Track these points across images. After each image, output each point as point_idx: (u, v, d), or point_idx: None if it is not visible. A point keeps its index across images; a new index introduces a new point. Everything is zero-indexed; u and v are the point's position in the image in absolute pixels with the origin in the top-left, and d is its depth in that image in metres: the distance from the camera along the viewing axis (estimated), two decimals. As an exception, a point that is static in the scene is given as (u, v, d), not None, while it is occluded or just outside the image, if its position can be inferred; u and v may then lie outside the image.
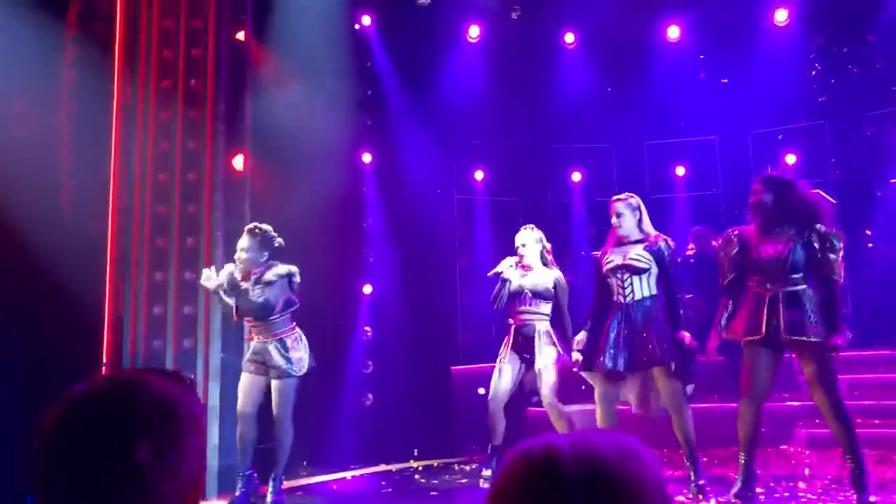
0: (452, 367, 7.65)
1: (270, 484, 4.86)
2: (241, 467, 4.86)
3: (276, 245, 5.02)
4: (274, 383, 4.84)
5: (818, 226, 4.20)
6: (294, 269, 4.97)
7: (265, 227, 5.04)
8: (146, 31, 6.01)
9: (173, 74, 6.05)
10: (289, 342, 4.89)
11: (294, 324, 5.02)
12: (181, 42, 6.05)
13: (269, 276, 4.91)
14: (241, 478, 4.82)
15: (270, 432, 5.03)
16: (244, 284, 4.90)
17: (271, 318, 4.90)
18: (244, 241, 4.95)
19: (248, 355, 5.00)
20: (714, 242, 6.85)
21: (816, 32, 8.18)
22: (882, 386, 6.35)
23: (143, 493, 1.01)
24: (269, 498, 4.82)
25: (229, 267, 4.94)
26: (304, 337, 5.03)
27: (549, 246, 5.41)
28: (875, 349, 6.33)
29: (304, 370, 4.91)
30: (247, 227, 5.06)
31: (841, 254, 4.16)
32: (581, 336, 4.87)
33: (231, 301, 4.94)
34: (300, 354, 4.90)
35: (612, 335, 4.60)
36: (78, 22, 6.00)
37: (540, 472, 0.81)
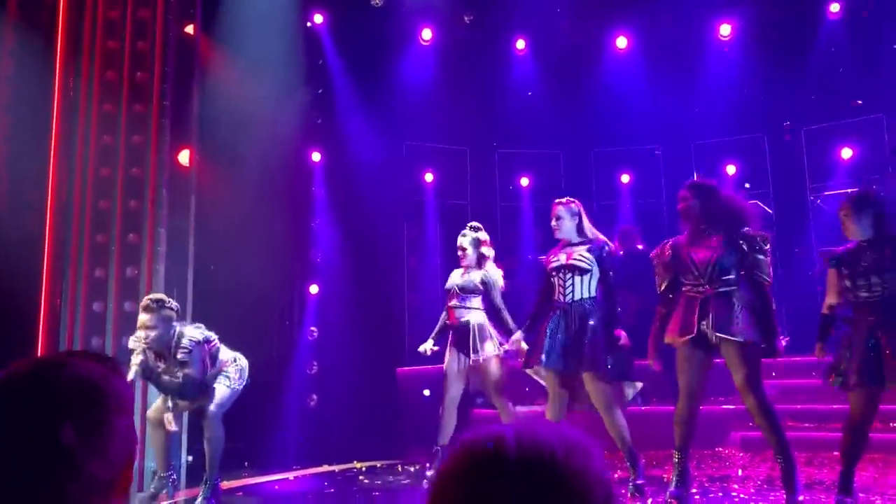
0: (398, 369, 7.65)
1: (202, 487, 4.78)
2: (162, 471, 4.81)
3: (177, 310, 4.65)
4: (216, 387, 4.76)
5: (745, 228, 4.34)
6: (200, 335, 4.57)
7: (159, 296, 4.67)
8: (91, 20, 5.88)
9: (118, 66, 5.92)
10: (229, 370, 4.79)
11: (230, 352, 4.84)
12: (127, 33, 5.93)
13: (181, 354, 4.48)
14: (161, 480, 4.79)
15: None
16: (160, 366, 4.53)
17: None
18: (147, 320, 4.46)
19: None
20: (639, 243, 6.99)
21: (758, 47, 8.43)
22: (812, 391, 6.57)
23: (71, 474, 1.00)
24: (199, 500, 4.74)
25: (135, 359, 4.44)
26: (240, 357, 4.89)
27: (489, 253, 5.47)
28: (806, 355, 6.53)
29: (244, 383, 4.84)
30: (142, 305, 4.56)
31: (769, 254, 4.31)
32: (517, 336, 4.97)
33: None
34: (238, 373, 4.82)
35: (550, 333, 4.70)
36: (19, 9, 5.83)
37: (485, 461, 0.81)
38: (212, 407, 4.70)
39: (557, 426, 0.87)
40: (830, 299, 4.22)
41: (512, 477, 0.79)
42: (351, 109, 7.64)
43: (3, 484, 0.99)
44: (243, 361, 4.91)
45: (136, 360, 4.44)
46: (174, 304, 4.66)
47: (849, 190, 8.19)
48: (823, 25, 8.19)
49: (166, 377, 4.49)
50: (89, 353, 1.14)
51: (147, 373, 4.46)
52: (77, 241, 5.73)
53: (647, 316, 4.92)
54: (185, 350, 4.49)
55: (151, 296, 4.69)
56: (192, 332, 4.59)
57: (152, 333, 4.46)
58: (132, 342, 4.51)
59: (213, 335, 4.73)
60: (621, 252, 7.60)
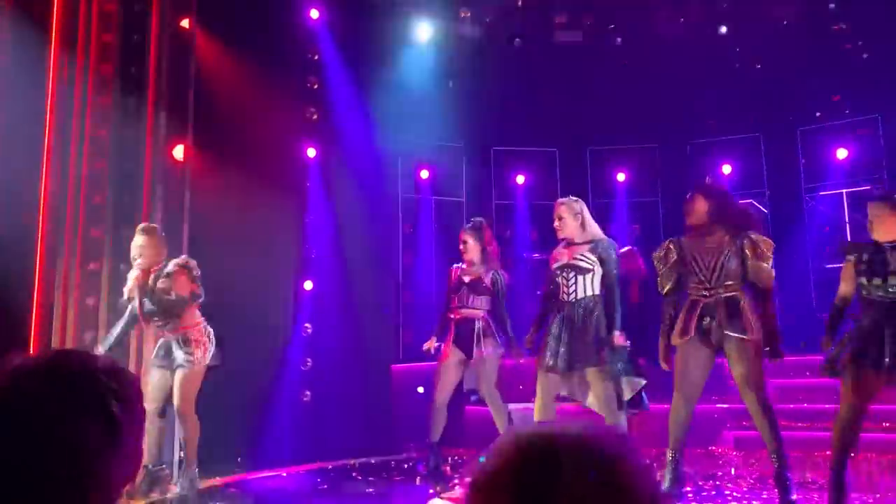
0: (392, 366, 7.64)
1: (180, 479, 4.78)
2: (155, 463, 4.78)
3: (166, 241, 5.01)
4: (175, 376, 4.74)
5: (750, 233, 4.34)
6: (188, 259, 4.89)
7: (154, 224, 5.07)
8: (86, 13, 5.84)
9: (113, 59, 5.89)
10: (192, 337, 4.77)
11: (201, 319, 4.87)
12: (122, 26, 5.90)
13: (171, 266, 4.79)
14: (151, 474, 4.76)
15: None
16: (149, 283, 4.77)
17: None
18: (142, 241, 4.83)
19: (154, 351, 4.91)
20: (641, 263, 6.97)
21: (756, 47, 8.43)
22: (808, 390, 6.58)
23: (117, 445, 1.02)
24: (177, 489, 4.73)
25: (132, 275, 4.80)
26: (211, 333, 4.89)
27: (492, 248, 5.46)
28: (800, 355, 6.57)
29: (205, 364, 4.79)
30: (139, 228, 4.95)
31: (771, 261, 4.31)
32: (530, 335, 4.96)
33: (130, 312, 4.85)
34: (202, 348, 4.78)
35: (554, 333, 4.69)
36: (14, 0, 5.78)
37: (537, 459, 0.81)
38: (184, 404, 4.70)
39: (594, 425, 0.87)
40: (845, 290, 4.12)
41: (567, 476, 0.79)
42: (347, 105, 7.60)
43: (60, 464, 0.98)
44: (212, 341, 4.87)
45: (132, 275, 4.77)
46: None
47: (844, 190, 8.25)
48: (821, 25, 8.20)
49: (156, 297, 4.71)
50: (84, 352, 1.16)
51: (142, 289, 4.70)
52: (70, 235, 5.70)
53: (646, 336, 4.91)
54: (174, 265, 4.77)
55: (148, 223, 5.06)
56: (178, 258, 4.90)
57: (145, 252, 4.79)
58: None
59: (196, 272, 4.85)
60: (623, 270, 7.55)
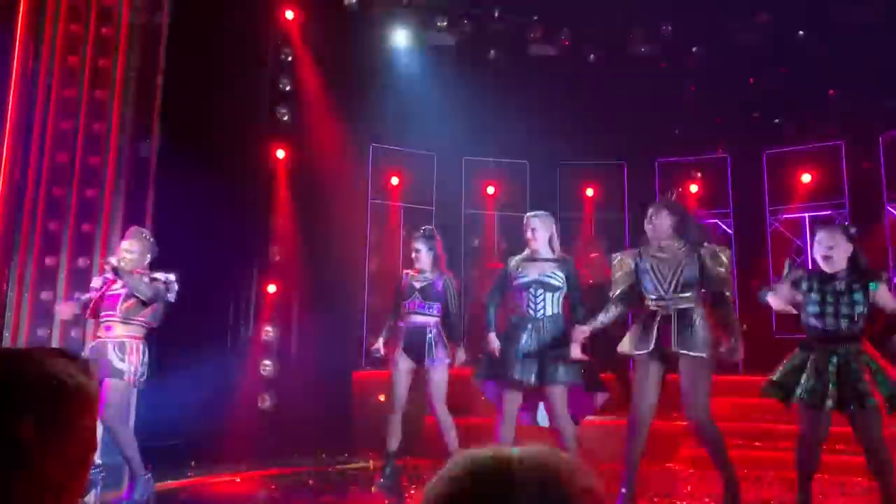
0: (354, 372, 7.58)
1: (136, 487, 4.64)
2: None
3: (155, 254, 4.88)
4: (106, 385, 4.54)
5: (707, 243, 4.43)
6: (173, 277, 4.74)
7: (147, 232, 4.98)
8: (54, 3, 5.75)
9: (80, 51, 5.80)
10: (128, 347, 4.63)
11: (143, 337, 4.72)
12: (91, 18, 5.82)
13: (159, 273, 4.70)
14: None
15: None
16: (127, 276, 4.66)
17: (133, 318, 4.64)
18: (131, 245, 4.75)
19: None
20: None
21: (724, 69, 8.56)
22: (763, 409, 6.65)
23: (24, 472, 0.97)
24: (135, 496, 4.61)
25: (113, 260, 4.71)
26: (147, 351, 4.73)
27: (443, 256, 5.49)
28: (756, 375, 6.64)
29: (135, 378, 4.63)
30: (134, 231, 4.87)
31: (729, 269, 4.39)
32: (495, 344, 4.87)
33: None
34: (134, 361, 4.62)
35: (522, 348, 4.68)
36: (-22, -13, 5.67)
37: (490, 480, 0.80)
38: (113, 417, 4.54)
39: (550, 448, 0.87)
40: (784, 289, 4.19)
41: (519, 498, 0.79)
42: (318, 107, 7.56)
43: None
44: (145, 359, 4.73)
45: (113, 261, 4.66)
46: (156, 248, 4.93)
47: (806, 214, 8.40)
48: (788, 49, 8.36)
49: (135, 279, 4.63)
50: (60, 350, 1.11)
51: (122, 270, 4.61)
52: (28, 228, 5.59)
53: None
54: (158, 276, 4.72)
55: (141, 228, 5.00)
56: (162, 273, 4.79)
57: (128, 256, 4.70)
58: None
59: (171, 295, 4.76)
60: (591, 281, 7.61)
